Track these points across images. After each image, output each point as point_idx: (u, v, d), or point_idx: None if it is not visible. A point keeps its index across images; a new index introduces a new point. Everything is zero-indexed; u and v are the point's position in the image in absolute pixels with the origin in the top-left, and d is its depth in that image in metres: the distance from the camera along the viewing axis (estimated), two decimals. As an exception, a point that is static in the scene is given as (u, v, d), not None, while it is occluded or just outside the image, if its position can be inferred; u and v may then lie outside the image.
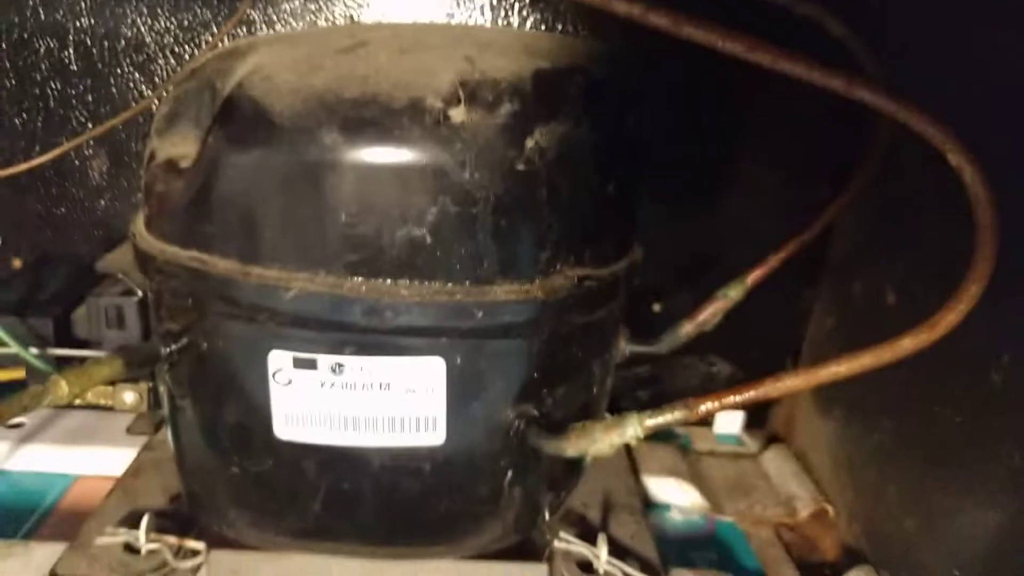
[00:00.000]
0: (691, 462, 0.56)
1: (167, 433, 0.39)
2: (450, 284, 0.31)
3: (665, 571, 0.40)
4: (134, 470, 0.45)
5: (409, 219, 0.30)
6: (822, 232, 0.41)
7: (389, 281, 0.30)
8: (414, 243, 0.30)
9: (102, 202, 0.54)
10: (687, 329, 0.40)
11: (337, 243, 0.30)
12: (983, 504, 0.38)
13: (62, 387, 0.30)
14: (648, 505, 0.51)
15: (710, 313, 0.40)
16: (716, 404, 0.33)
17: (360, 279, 0.30)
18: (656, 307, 0.59)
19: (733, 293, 0.39)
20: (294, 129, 0.29)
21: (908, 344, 0.30)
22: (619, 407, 0.34)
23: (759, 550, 0.49)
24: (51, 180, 0.53)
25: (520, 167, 0.30)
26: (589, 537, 0.40)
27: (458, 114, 0.29)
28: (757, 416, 0.62)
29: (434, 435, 0.33)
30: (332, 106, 0.29)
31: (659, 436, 0.58)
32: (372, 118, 0.29)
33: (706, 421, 0.62)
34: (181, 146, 0.34)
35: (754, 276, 0.40)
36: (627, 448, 0.53)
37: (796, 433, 0.60)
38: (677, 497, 0.52)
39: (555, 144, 0.31)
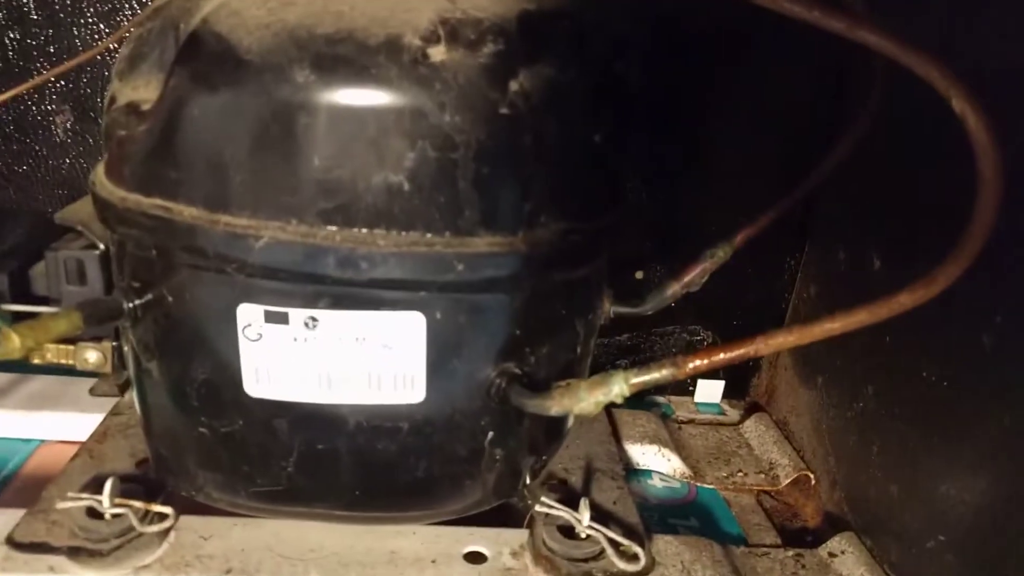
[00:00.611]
0: (672, 430, 0.56)
1: (132, 394, 0.37)
2: (429, 235, 0.29)
3: (648, 537, 0.40)
4: (100, 434, 0.43)
5: (386, 164, 0.28)
6: (811, 192, 0.40)
7: (365, 230, 0.29)
8: (391, 190, 0.28)
9: (67, 160, 0.51)
10: (673, 289, 0.39)
11: (310, 189, 0.28)
12: (969, 468, 0.38)
13: (13, 340, 0.29)
14: (630, 472, 0.50)
15: (697, 274, 0.38)
16: (705, 361, 0.31)
17: (334, 228, 0.29)
18: (638, 275, 0.58)
19: (721, 253, 0.38)
20: (263, 66, 0.28)
21: (905, 300, 0.29)
22: (600, 374, 0.33)
23: (740, 517, 0.49)
24: (12, 136, 0.51)
25: (503, 111, 0.29)
26: (571, 502, 0.39)
27: (438, 53, 0.28)
28: (737, 386, 0.62)
29: (412, 393, 0.32)
30: (304, 42, 0.27)
31: (640, 404, 0.58)
32: (347, 55, 0.27)
33: (687, 390, 0.61)
34: (143, 90, 0.32)
35: (742, 236, 0.39)
36: (609, 415, 0.52)
37: (777, 402, 0.59)
38: (659, 464, 0.51)
39: (540, 88, 0.29)
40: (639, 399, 0.59)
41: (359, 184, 0.28)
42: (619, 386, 0.31)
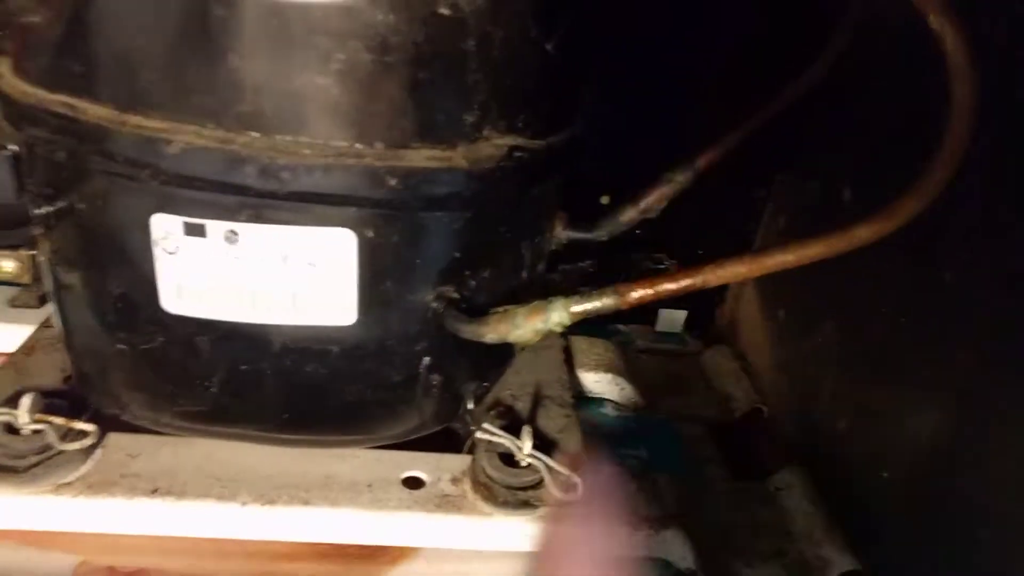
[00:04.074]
0: (630, 359, 0.55)
1: (51, 308, 0.35)
2: (359, 145, 0.27)
3: (591, 466, 0.39)
4: (27, 347, 0.41)
5: (312, 64, 0.26)
6: (778, 114, 0.38)
7: (288, 138, 0.27)
8: (317, 94, 0.26)
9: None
10: (629, 215, 0.37)
11: (228, 89, 0.26)
12: (917, 406, 0.37)
13: (-92, 245, 0.27)
14: (582, 400, 0.49)
15: (655, 198, 0.37)
16: (650, 291, 0.30)
17: (255, 134, 0.26)
18: (604, 199, 0.56)
19: (680, 177, 0.36)
20: (173, -53, 0.25)
21: (863, 233, 0.28)
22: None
23: (691, 449, 0.49)
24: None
25: (443, 11, 0.26)
26: (516, 429, 0.38)
27: (370, -58, 0.25)
28: (701, 317, 0.61)
29: (343, 315, 0.30)
30: (218, -79, 0.24)
31: (601, 332, 0.56)
32: (267, -62, 0.24)
33: (648, 319, 0.60)
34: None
35: (705, 159, 0.37)
36: (565, 342, 0.51)
37: (739, 334, 0.58)
38: (611, 392, 0.50)
39: (485, -13, 0.27)
40: (599, 326, 0.58)
41: (282, 85, 0.26)
42: (558, 314, 0.29)
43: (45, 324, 0.44)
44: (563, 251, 0.40)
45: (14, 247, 0.35)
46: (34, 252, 0.34)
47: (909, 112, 0.39)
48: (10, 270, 0.34)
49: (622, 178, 0.54)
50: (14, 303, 0.37)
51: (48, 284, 0.33)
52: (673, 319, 0.59)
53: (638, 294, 0.30)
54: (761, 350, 0.54)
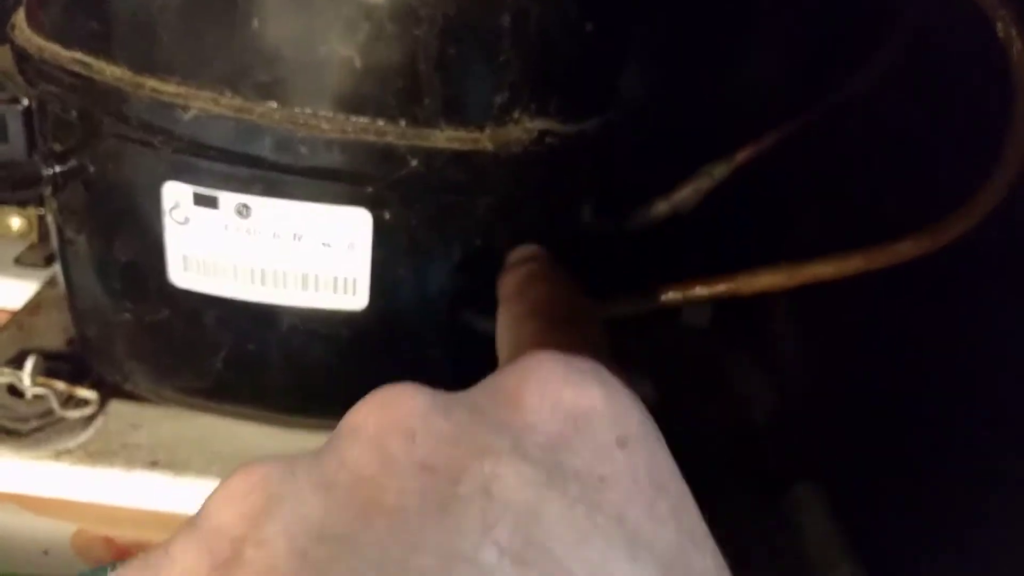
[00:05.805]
0: (648, 354, 0.53)
1: (57, 268, 0.34)
2: (381, 122, 0.26)
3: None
4: (33, 306, 0.41)
5: (335, 35, 0.24)
6: (828, 115, 0.36)
7: (308, 110, 0.25)
8: (340, 65, 0.25)
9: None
10: (661, 208, 0.35)
11: (247, 56, 0.25)
12: (949, 428, 0.36)
13: (-90, 200, 0.26)
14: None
15: (689, 192, 0.35)
16: (680, 296, 0.29)
17: (273, 104, 0.25)
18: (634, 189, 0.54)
19: (717, 172, 0.34)
20: (196, -100, 0.23)
21: (907, 249, 0.26)
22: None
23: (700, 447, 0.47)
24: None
25: (478, -17, 0.25)
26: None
27: (405, -96, 0.23)
28: (727, 314, 0.59)
29: (353, 299, 0.29)
30: None
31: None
32: None
33: (672, 310, 0.58)
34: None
35: (744, 155, 0.35)
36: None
37: (767, 331, 0.56)
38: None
39: (525, -41, 0.25)
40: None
41: (303, 55, 0.25)
42: (582, 313, 0.28)
43: (51, 283, 0.43)
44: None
45: (22, 204, 0.34)
46: (42, 210, 0.33)
47: (960, 121, 0.37)
48: (17, 228, 0.33)
49: (655, 166, 0.52)
50: (19, 261, 0.36)
51: (55, 245, 0.32)
52: (699, 312, 0.57)
53: (667, 296, 0.28)
54: (789, 351, 0.53)
